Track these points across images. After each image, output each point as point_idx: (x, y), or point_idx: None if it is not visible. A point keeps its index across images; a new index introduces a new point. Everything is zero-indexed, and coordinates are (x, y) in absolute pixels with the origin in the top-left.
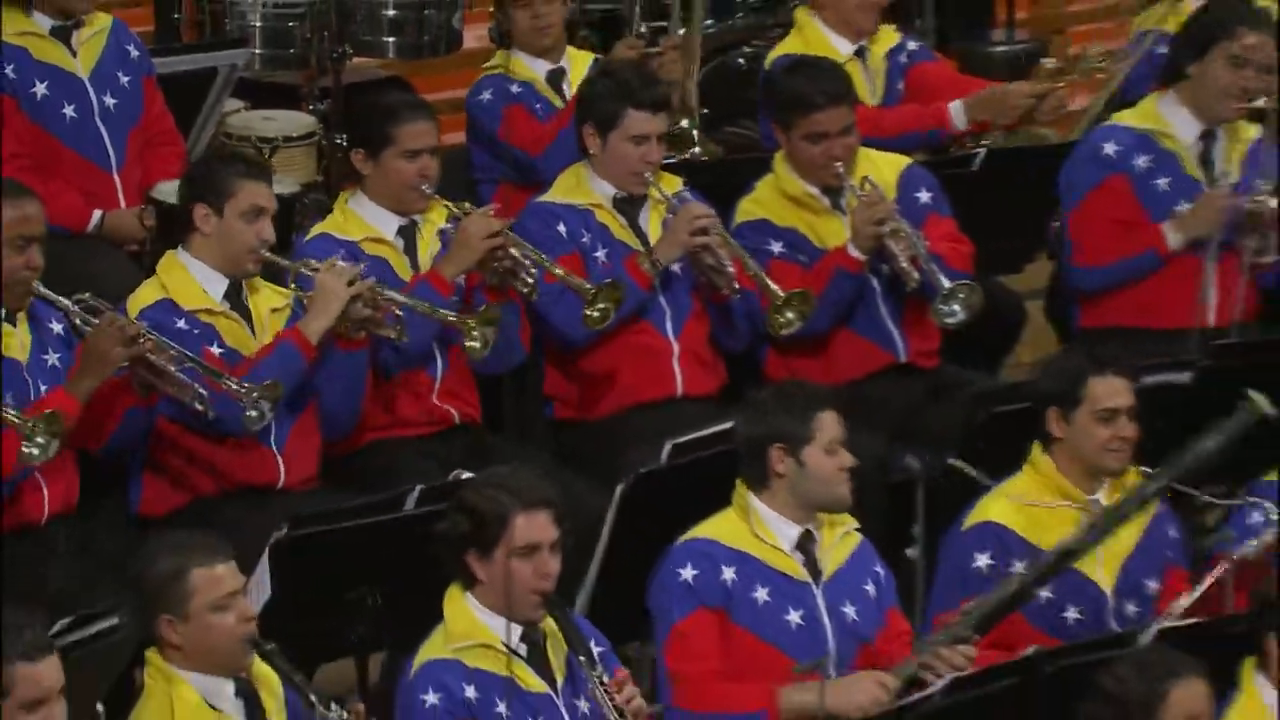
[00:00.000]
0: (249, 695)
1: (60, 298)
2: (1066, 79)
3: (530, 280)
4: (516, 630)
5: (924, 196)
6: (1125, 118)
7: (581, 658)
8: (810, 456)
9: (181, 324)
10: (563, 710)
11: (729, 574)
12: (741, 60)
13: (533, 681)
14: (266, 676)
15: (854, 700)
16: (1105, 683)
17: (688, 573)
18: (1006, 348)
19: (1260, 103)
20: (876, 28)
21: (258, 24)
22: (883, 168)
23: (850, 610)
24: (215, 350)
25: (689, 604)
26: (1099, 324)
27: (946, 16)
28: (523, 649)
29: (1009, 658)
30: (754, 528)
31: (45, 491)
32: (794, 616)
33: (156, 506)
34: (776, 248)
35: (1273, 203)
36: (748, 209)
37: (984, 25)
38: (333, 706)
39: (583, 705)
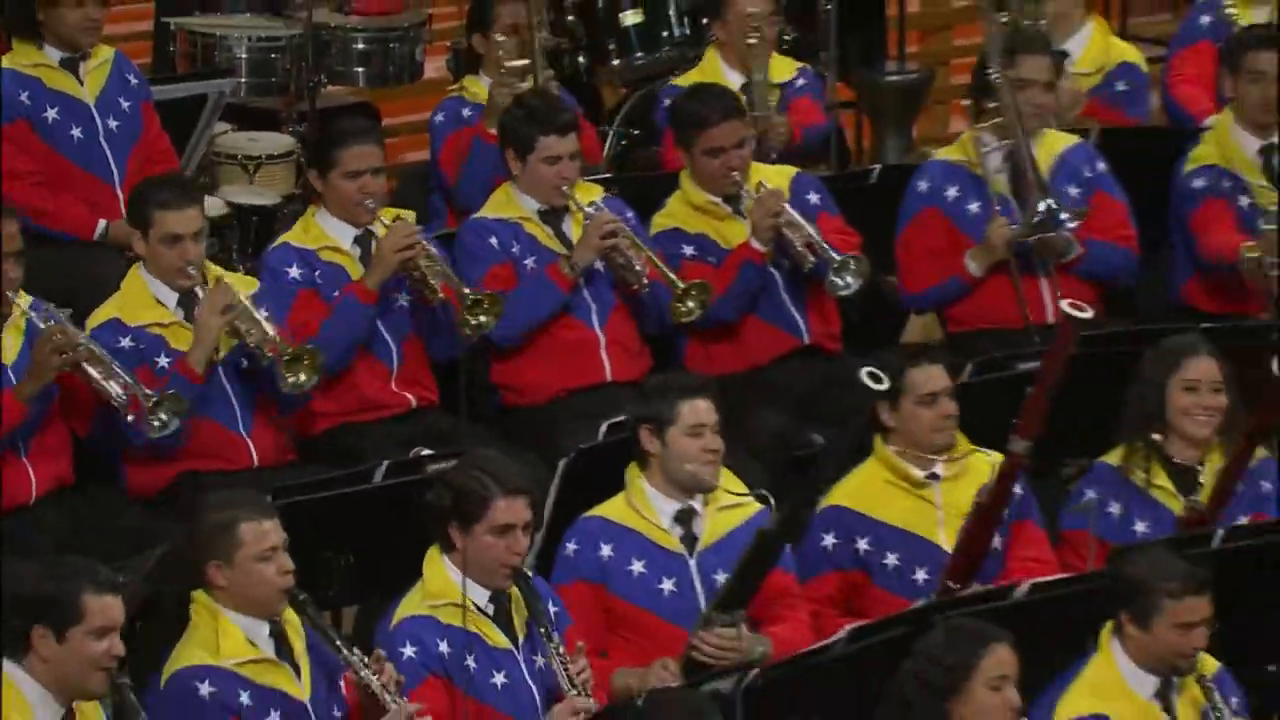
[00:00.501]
0: (279, 635)
1: (39, 314)
2: None
3: (436, 289)
4: (484, 593)
5: (813, 198)
6: (943, 152)
7: (541, 629)
8: (673, 438)
9: (126, 341)
10: (523, 665)
11: (606, 550)
12: (661, 90)
13: (498, 638)
14: (293, 620)
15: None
16: (921, 649)
17: (571, 548)
18: (893, 336)
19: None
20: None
21: (243, 56)
22: (773, 177)
23: (718, 572)
24: (162, 359)
25: (569, 577)
26: (961, 329)
27: (847, 50)
28: (490, 609)
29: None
30: (636, 504)
31: (31, 472)
32: (667, 585)
33: (141, 485)
34: (689, 251)
35: (1069, 223)
36: (659, 222)
37: (880, 58)
38: (355, 650)
39: (540, 661)
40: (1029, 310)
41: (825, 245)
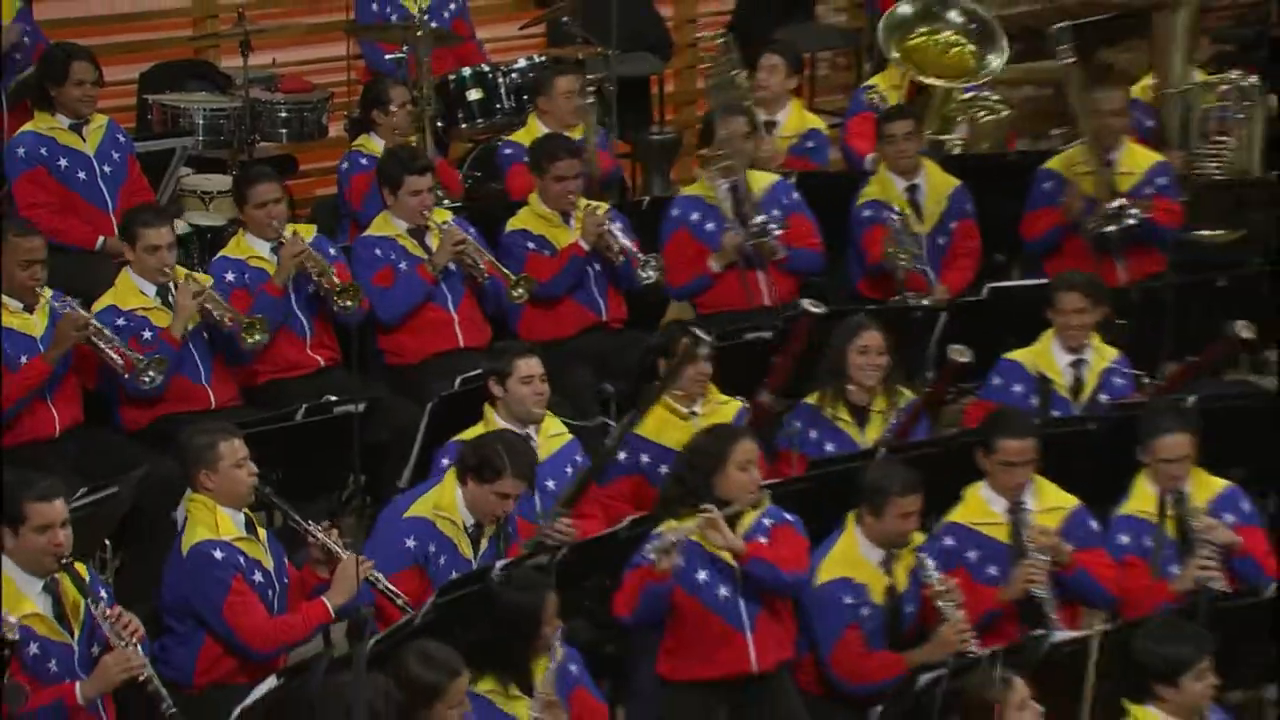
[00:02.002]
0: (248, 520)
1: (59, 301)
2: None
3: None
4: (472, 518)
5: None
6: (686, 189)
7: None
8: (512, 385)
9: (121, 320)
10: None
11: None
12: (498, 144)
13: (469, 552)
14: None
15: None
16: (690, 444)
17: (445, 461)
18: (659, 317)
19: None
20: (578, 122)
21: (200, 121)
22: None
23: (552, 484)
24: (146, 333)
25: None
26: (707, 311)
27: (623, 115)
28: (472, 529)
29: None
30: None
31: (55, 413)
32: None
33: (132, 424)
34: (531, 246)
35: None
36: (513, 224)
37: (647, 123)
38: (311, 524)
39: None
40: (753, 296)
41: (633, 249)
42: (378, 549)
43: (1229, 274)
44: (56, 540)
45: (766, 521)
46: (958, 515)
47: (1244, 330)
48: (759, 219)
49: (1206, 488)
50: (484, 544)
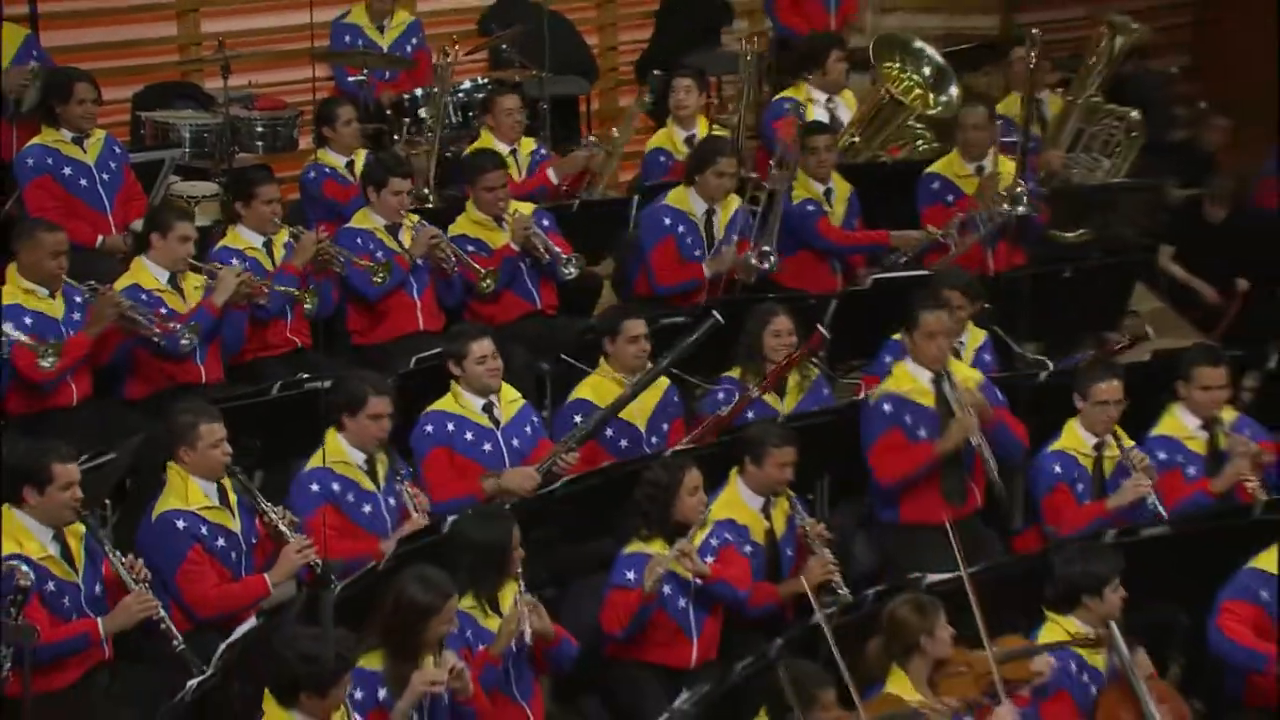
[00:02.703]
0: (221, 491)
1: (78, 284)
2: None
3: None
4: (361, 455)
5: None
6: (672, 201)
7: (398, 474)
8: (468, 364)
9: (143, 297)
10: (382, 502)
11: (450, 427)
12: (449, 155)
13: (369, 485)
14: (226, 482)
15: (517, 482)
16: (648, 474)
17: (428, 429)
18: (593, 303)
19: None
20: (519, 135)
21: (187, 135)
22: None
23: (516, 442)
24: (164, 309)
25: (428, 446)
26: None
27: (555, 129)
28: (364, 466)
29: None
30: (459, 402)
31: (74, 387)
32: (487, 446)
33: (135, 395)
34: (470, 248)
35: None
36: (453, 229)
37: (576, 137)
38: (267, 502)
39: (393, 500)
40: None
41: (555, 249)
42: (294, 502)
43: (1073, 266)
44: (76, 495)
45: (713, 541)
46: (890, 386)
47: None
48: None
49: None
50: (381, 478)
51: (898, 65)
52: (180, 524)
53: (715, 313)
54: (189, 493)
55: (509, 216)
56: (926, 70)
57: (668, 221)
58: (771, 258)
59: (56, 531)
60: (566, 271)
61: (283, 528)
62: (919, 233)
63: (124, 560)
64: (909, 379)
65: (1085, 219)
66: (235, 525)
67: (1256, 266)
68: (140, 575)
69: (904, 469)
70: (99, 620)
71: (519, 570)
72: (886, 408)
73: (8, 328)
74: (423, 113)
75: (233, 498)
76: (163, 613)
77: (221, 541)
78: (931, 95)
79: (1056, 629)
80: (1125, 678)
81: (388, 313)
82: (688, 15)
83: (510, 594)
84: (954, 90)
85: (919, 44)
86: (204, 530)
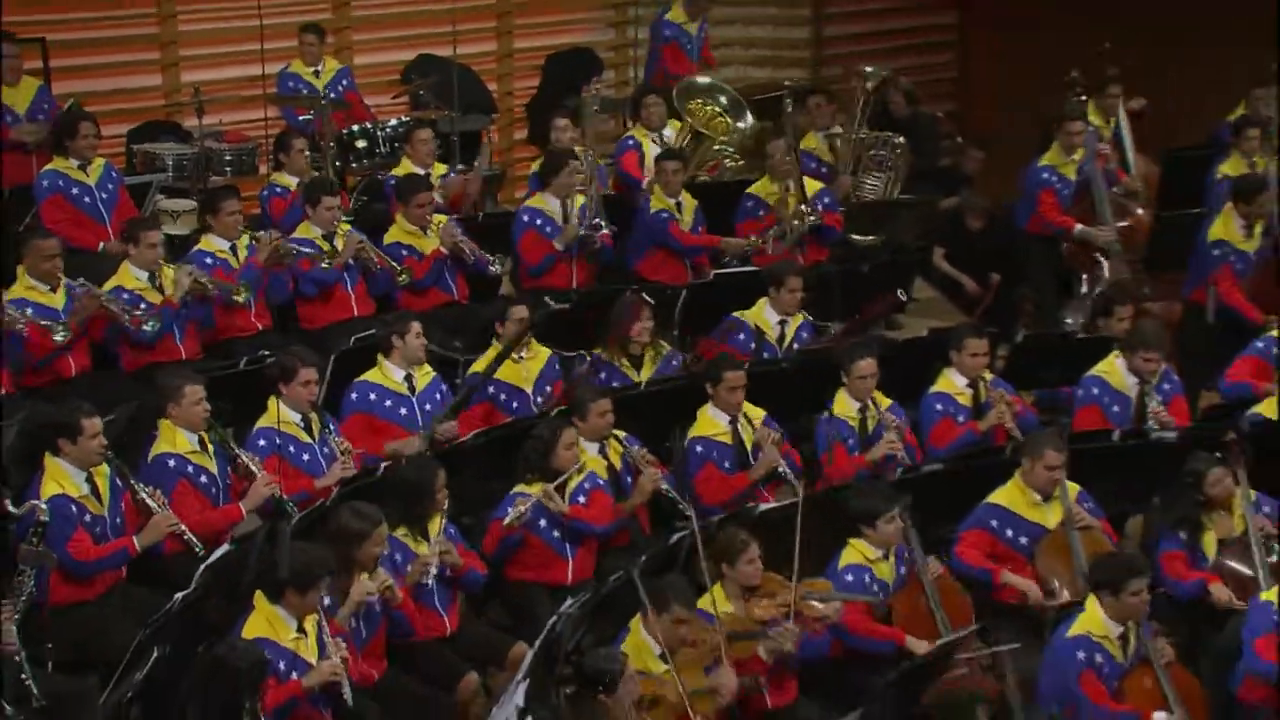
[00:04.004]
0: (202, 441)
1: (71, 281)
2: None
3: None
4: (298, 415)
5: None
6: (531, 203)
7: (328, 429)
8: (407, 339)
9: (125, 295)
10: (318, 450)
11: (372, 395)
12: (379, 177)
13: (306, 438)
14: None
15: (408, 448)
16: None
17: (354, 396)
18: (494, 294)
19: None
20: (434, 165)
21: (170, 162)
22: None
23: (428, 406)
24: (142, 305)
25: (351, 410)
26: (533, 285)
27: (464, 157)
28: (302, 424)
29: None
30: (385, 373)
31: (72, 361)
32: (403, 410)
33: (130, 367)
34: (405, 253)
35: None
36: (388, 237)
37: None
38: (243, 456)
39: (327, 449)
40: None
41: (479, 251)
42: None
43: (869, 264)
44: (102, 443)
45: (586, 485)
46: (699, 430)
47: (900, 295)
48: (588, 224)
49: (884, 400)
50: (316, 431)
51: (700, 102)
52: (171, 463)
53: (550, 301)
54: (176, 440)
55: (434, 226)
56: (724, 100)
57: (527, 218)
58: (603, 227)
59: (88, 474)
60: (494, 270)
61: (253, 468)
62: (742, 240)
63: (149, 490)
64: (711, 424)
65: (876, 228)
66: (214, 468)
67: (1004, 264)
68: (161, 501)
69: (725, 496)
70: (134, 537)
71: (444, 506)
72: (699, 449)
73: (19, 312)
74: (359, 144)
75: (210, 447)
76: (183, 527)
77: (204, 479)
78: (731, 121)
79: (853, 550)
80: (916, 578)
81: (329, 302)
82: (567, 67)
83: (436, 524)
84: (749, 117)
85: (711, 81)
86: (189, 469)
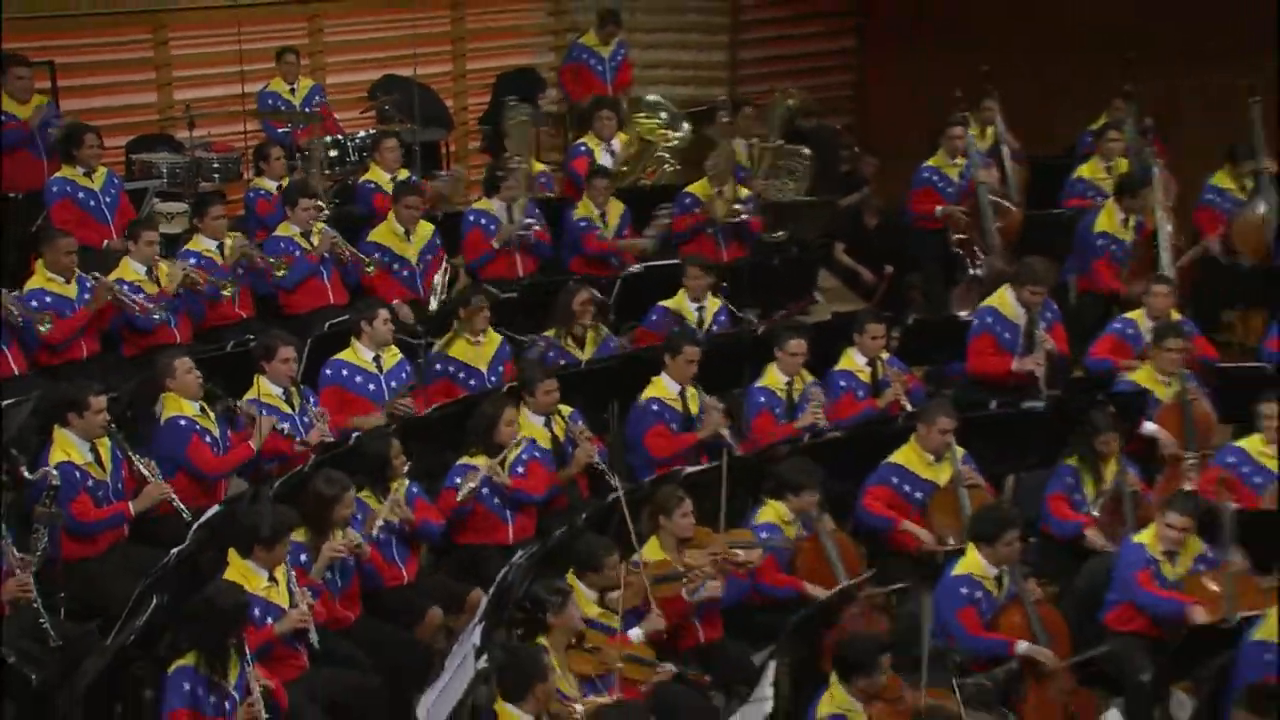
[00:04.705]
0: (202, 408)
1: (84, 275)
2: None
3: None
4: (279, 389)
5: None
6: (477, 205)
7: (307, 401)
8: (375, 325)
9: (125, 286)
10: (298, 420)
11: (345, 371)
12: (350, 182)
13: (287, 409)
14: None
15: (370, 420)
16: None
17: (328, 372)
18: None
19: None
20: (398, 171)
21: (164, 170)
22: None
23: (394, 383)
24: (141, 295)
25: (324, 384)
26: (487, 278)
27: (424, 165)
28: (283, 397)
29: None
30: (357, 353)
31: (84, 346)
32: (371, 386)
33: (131, 351)
34: (378, 255)
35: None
36: (372, 236)
37: (437, 168)
38: (241, 404)
39: (306, 419)
40: (512, 269)
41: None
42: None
43: (779, 257)
44: (106, 418)
45: (525, 456)
46: (651, 393)
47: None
48: (526, 221)
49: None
50: (296, 403)
51: (644, 115)
52: (183, 423)
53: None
54: (182, 406)
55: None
56: (664, 115)
57: (472, 218)
58: (535, 227)
59: (92, 445)
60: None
61: (146, 472)
62: (644, 240)
63: (144, 461)
64: (665, 390)
65: (785, 225)
66: (215, 429)
67: (896, 257)
68: (154, 471)
69: (671, 451)
70: (129, 503)
71: (404, 470)
72: (654, 408)
73: (35, 303)
74: (331, 153)
75: (210, 412)
76: (173, 494)
77: (209, 438)
78: (670, 132)
79: (770, 510)
80: (819, 538)
81: (307, 292)
82: (514, 85)
83: (396, 487)
84: (686, 125)
85: (656, 99)
86: (198, 427)
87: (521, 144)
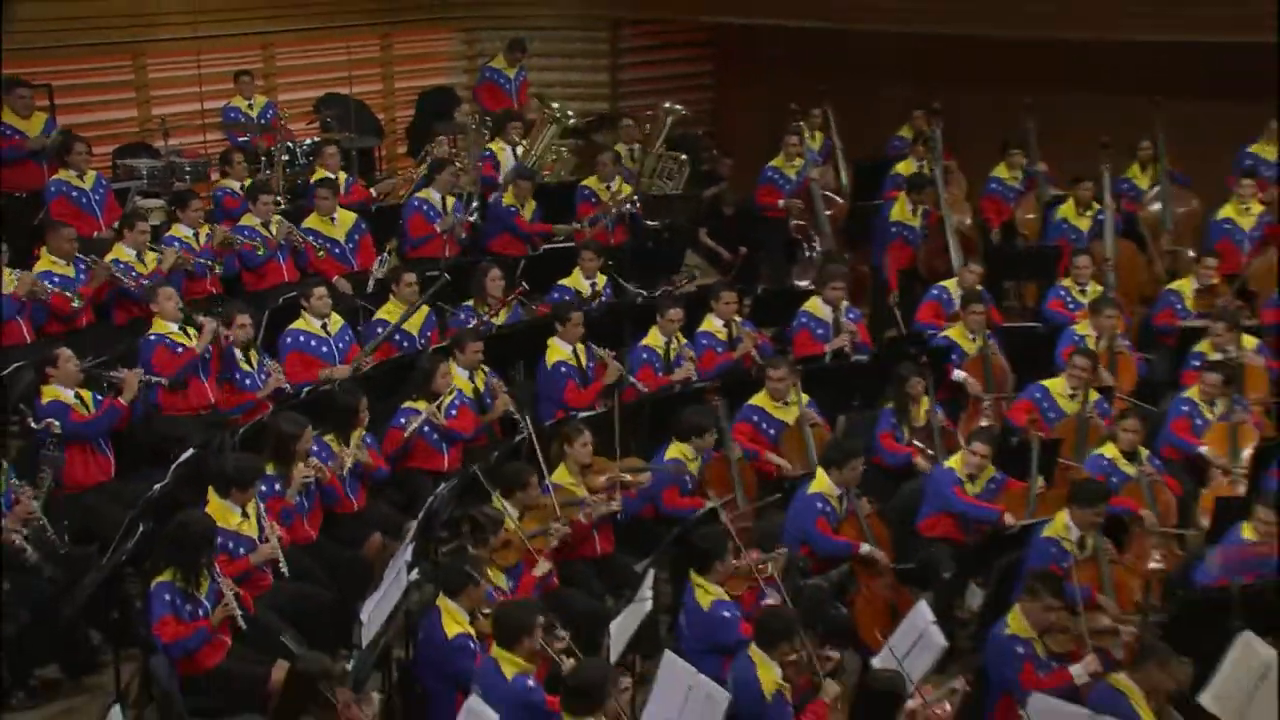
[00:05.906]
0: (183, 328)
1: (82, 258)
2: None
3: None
4: (239, 352)
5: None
6: (420, 195)
7: (265, 361)
8: (312, 300)
9: (120, 266)
10: (256, 375)
11: (301, 337)
12: (300, 182)
13: (247, 367)
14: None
15: (339, 373)
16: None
17: (288, 339)
18: None
19: None
20: (339, 173)
21: (145, 173)
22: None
23: (340, 345)
24: (132, 274)
25: (285, 349)
26: (414, 256)
27: (361, 170)
28: (243, 356)
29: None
30: (309, 322)
31: (83, 317)
32: (324, 349)
33: (121, 320)
34: (313, 238)
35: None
36: (304, 224)
37: (371, 170)
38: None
39: (263, 375)
40: (447, 251)
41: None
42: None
43: (652, 241)
44: (78, 364)
45: (457, 402)
46: (554, 357)
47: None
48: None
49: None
50: (254, 361)
51: (553, 109)
52: (152, 339)
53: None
54: (165, 327)
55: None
56: (555, 105)
57: (415, 204)
58: (469, 217)
59: (75, 392)
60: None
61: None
62: (567, 227)
63: (118, 377)
64: (561, 351)
65: (660, 214)
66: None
67: (748, 240)
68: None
69: (587, 400)
70: (118, 398)
71: (365, 421)
72: (563, 369)
73: (47, 284)
74: (283, 157)
75: (191, 331)
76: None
77: (180, 350)
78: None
79: (676, 449)
80: (723, 458)
81: (267, 273)
82: (434, 102)
83: (358, 434)
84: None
85: (559, 106)
86: (168, 341)
87: (473, 152)
